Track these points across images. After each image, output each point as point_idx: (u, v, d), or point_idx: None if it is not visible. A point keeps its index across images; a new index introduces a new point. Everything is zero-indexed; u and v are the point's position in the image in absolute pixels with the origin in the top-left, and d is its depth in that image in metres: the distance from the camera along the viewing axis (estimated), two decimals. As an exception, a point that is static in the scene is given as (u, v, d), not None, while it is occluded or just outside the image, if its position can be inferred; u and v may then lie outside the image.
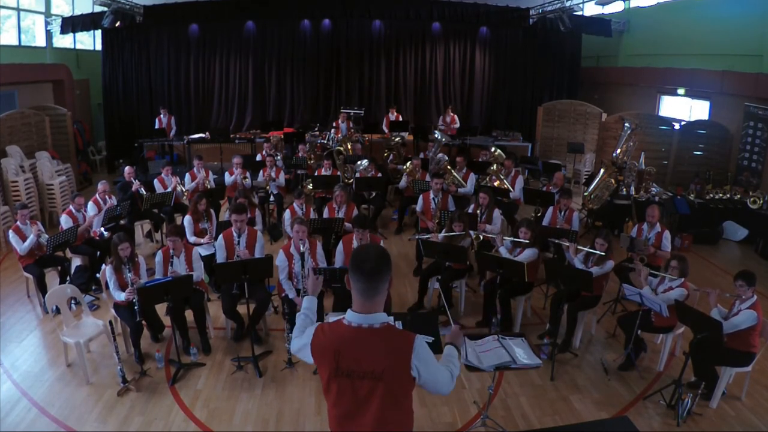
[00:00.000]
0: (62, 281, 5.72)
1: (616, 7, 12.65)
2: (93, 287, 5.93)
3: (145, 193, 7.12)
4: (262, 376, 4.54)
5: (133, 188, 7.25)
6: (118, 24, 11.01)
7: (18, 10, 10.33)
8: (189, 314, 4.88)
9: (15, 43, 10.27)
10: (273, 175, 7.98)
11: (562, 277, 4.97)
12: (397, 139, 10.46)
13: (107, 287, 4.76)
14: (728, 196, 8.28)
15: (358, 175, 8.26)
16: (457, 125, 11.61)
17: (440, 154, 9.33)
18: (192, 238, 5.87)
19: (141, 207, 7.08)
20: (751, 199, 8.02)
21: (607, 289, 5.39)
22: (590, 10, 13.05)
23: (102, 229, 6.36)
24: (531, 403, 4.24)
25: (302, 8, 12.07)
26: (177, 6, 11.57)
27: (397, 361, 1.99)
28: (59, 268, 5.83)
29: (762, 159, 8.59)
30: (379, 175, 8.41)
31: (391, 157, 10.29)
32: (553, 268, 5.34)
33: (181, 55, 12.16)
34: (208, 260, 5.64)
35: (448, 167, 8.21)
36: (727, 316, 4.15)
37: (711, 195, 8.33)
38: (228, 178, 7.85)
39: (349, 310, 2.05)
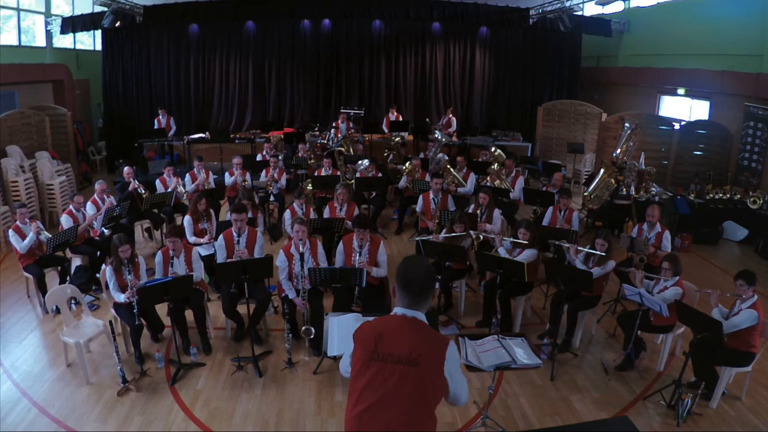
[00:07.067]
0: (62, 281, 5.72)
1: (616, 7, 12.66)
2: (93, 287, 5.93)
3: (143, 192, 7.12)
4: (262, 376, 4.54)
5: (131, 188, 7.25)
6: (118, 24, 11.02)
7: (18, 10, 10.33)
8: (189, 314, 4.88)
9: (15, 43, 10.28)
10: (276, 176, 7.99)
11: (562, 277, 4.97)
12: (397, 139, 10.47)
13: (107, 287, 4.76)
14: (728, 196, 8.28)
15: (358, 175, 8.26)
16: (452, 128, 11.51)
17: (440, 154, 9.33)
18: (192, 238, 5.86)
19: (141, 207, 7.08)
20: (751, 199, 8.02)
21: (607, 289, 5.39)
22: (590, 10, 13.07)
23: (103, 228, 6.36)
24: (531, 403, 4.24)
25: (302, 8, 12.08)
26: (177, 6, 11.58)
27: (434, 352, 2.10)
28: (59, 268, 5.83)
29: (762, 159, 8.60)
30: (379, 175, 8.42)
31: (391, 157, 10.29)
32: (553, 268, 5.34)
33: (181, 55, 12.15)
34: (208, 260, 5.64)
35: (448, 167, 8.21)
36: (728, 316, 4.16)
37: (711, 195, 8.33)
38: (228, 179, 7.86)
39: (395, 307, 2.21)
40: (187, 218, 6.00)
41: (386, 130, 11.45)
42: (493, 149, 9.41)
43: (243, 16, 12.02)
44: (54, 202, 8.52)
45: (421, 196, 7.02)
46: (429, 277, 2.15)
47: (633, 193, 8.20)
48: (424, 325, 2.16)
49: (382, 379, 2.07)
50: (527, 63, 12.87)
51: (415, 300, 2.15)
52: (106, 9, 10.47)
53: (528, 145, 12.04)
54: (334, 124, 11.11)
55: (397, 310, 2.18)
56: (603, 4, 12.29)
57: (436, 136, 9.73)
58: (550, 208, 6.52)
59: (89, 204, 6.48)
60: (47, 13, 11.08)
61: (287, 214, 6.39)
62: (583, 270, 4.83)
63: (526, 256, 5.16)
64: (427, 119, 11.70)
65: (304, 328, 4.70)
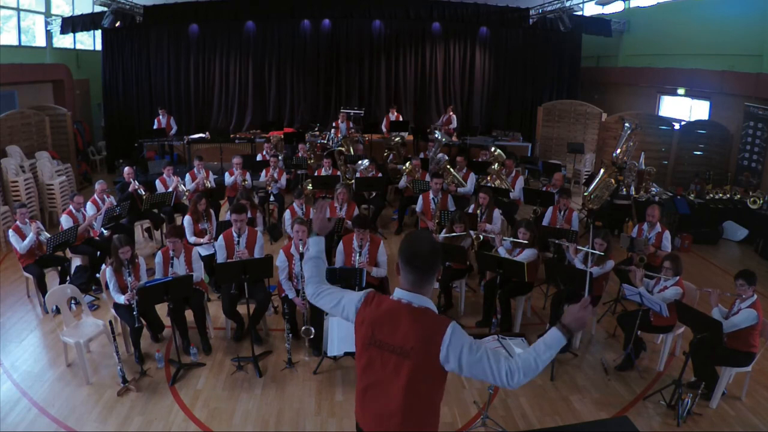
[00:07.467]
0: (62, 281, 5.72)
1: (616, 7, 12.66)
2: (93, 287, 5.93)
3: (144, 193, 7.12)
4: (262, 376, 4.54)
5: (131, 188, 7.25)
6: (118, 24, 11.02)
7: (18, 10, 10.33)
8: (189, 314, 4.88)
9: (15, 43, 10.27)
10: (276, 176, 8.00)
11: (562, 277, 4.97)
12: (397, 139, 10.46)
13: (107, 287, 4.76)
14: (728, 196, 8.28)
15: (358, 175, 8.26)
16: (453, 125, 11.55)
17: (440, 154, 9.33)
18: (192, 238, 5.86)
19: (141, 207, 7.08)
20: (751, 199, 8.02)
21: (607, 289, 5.39)
22: (590, 10, 13.06)
23: (103, 229, 6.36)
24: (531, 403, 4.24)
25: (302, 8, 12.08)
26: (177, 6, 11.58)
27: (427, 343, 1.99)
28: (59, 268, 5.83)
29: (762, 159, 8.60)
30: (379, 175, 8.42)
31: (391, 157, 10.29)
32: (553, 268, 5.34)
33: (181, 55, 12.14)
34: (208, 260, 5.64)
35: (448, 167, 8.22)
36: (728, 316, 4.16)
37: (711, 195, 8.33)
38: (228, 179, 7.86)
39: (396, 287, 2.11)
40: (187, 218, 6.00)
41: (386, 130, 11.45)
42: (493, 149, 9.41)
43: (243, 16, 12.01)
44: (54, 202, 8.52)
45: (421, 196, 7.02)
46: (434, 251, 2.04)
47: (633, 193, 8.20)
48: (421, 312, 2.03)
49: (379, 364, 2.09)
50: (527, 63, 12.87)
51: (419, 277, 2.04)
52: (106, 9, 10.47)
53: (528, 145, 12.03)
54: (334, 124, 11.11)
55: (398, 293, 2.09)
56: (603, 4, 12.29)
57: (436, 136, 9.72)
58: (550, 208, 6.53)
59: (89, 204, 6.47)
60: (47, 13, 11.07)
61: (287, 214, 6.38)
62: (583, 270, 4.83)
63: (526, 255, 5.16)
64: (432, 125, 11.67)
65: (304, 328, 4.70)
